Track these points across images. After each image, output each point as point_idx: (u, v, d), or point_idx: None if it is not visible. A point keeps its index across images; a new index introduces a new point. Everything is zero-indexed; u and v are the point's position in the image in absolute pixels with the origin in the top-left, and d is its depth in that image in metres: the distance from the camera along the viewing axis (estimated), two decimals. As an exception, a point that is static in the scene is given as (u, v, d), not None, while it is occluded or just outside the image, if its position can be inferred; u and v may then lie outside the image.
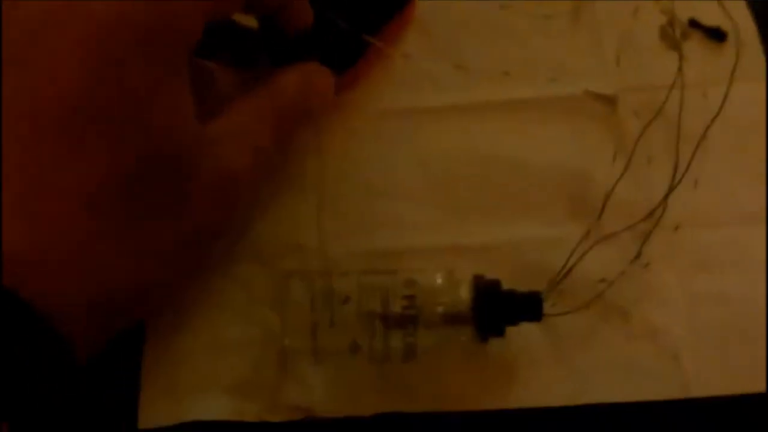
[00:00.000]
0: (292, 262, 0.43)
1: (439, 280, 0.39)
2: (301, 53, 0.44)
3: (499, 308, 0.38)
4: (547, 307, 0.39)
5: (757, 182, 0.45)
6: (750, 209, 0.44)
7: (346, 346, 0.38)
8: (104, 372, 0.39)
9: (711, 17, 0.49)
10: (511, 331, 0.39)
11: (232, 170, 0.34)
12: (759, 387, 0.40)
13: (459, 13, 0.49)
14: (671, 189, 0.43)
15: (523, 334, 0.40)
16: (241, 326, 0.41)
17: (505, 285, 0.39)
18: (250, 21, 0.43)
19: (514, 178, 0.45)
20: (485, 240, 0.43)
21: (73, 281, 0.29)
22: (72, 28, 0.29)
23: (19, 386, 0.27)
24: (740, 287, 0.42)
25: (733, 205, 0.44)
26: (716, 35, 0.49)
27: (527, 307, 0.39)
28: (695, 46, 0.48)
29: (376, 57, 0.47)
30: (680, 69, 0.44)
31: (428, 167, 0.45)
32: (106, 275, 0.30)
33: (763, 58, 0.48)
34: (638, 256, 0.42)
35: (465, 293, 0.39)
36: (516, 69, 0.47)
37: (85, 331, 0.30)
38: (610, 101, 0.47)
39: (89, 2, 0.30)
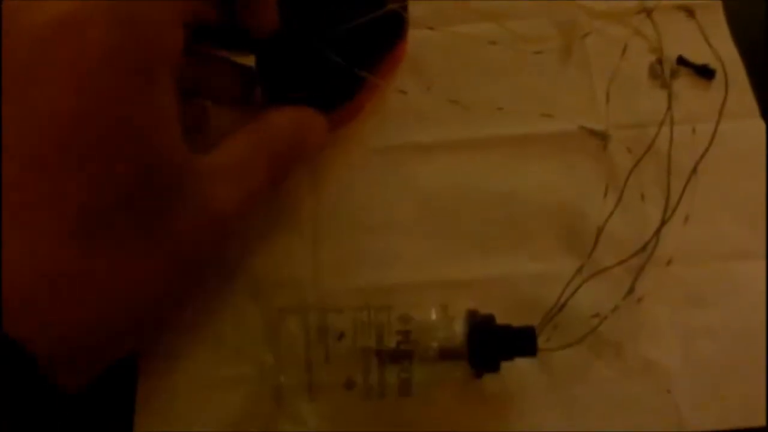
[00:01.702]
0: (287, 297, 0.43)
1: (434, 316, 0.39)
2: (297, 89, 0.44)
3: (493, 344, 0.39)
4: (541, 342, 0.39)
5: (745, 218, 0.45)
6: (739, 245, 0.44)
7: (342, 382, 0.38)
8: (97, 408, 0.39)
9: (699, 55, 0.50)
10: (506, 366, 0.39)
11: (222, 206, 0.34)
12: (759, 421, 0.40)
13: (452, 49, 0.50)
14: (662, 224, 0.43)
15: (517, 369, 0.40)
16: (235, 363, 0.41)
17: (500, 320, 0.39)
18: (247, 59, 0.43)
19: (508, 213, 0.45)
20: (479, 275, 0.44)
21: (58, 312, 0.29)
22: (63, 59, 0.29)
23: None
24: (732, 322, 0.42)
25: (723, 240, 0.44)
26: (704, 73, 0.50)
27: (522, 342, 0.39)
28: (684, 84, 0.49)
29: (371, 92, 0.47)
30: (669, 108, 0.45)
31: (422, 202, 0.46)
32: (92, 305, 0.30)
33: (751, 95, 0.49)
34: (631, 291, 0.42)
35: (459, 328, 0.39)
36: (509, 104, 0.48)
37: (74, 361, 0.30)
38: (603, 137, 0.47)
39: (79, 32, 0.30)
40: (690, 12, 0.45)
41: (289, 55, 0.46)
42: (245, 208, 0.35)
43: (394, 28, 0.47)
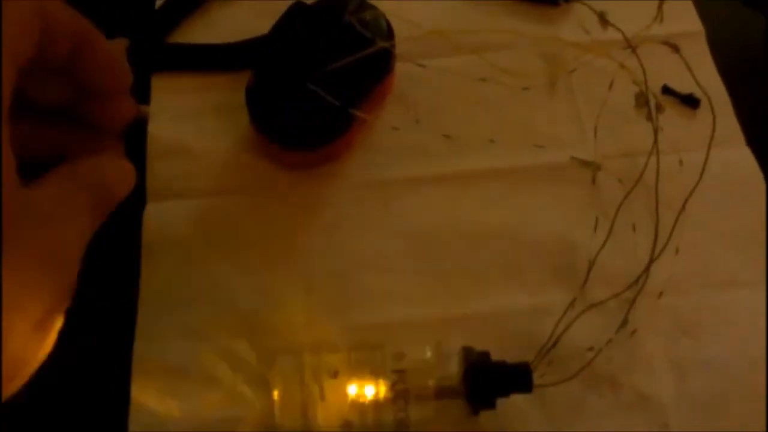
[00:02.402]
0: (281, 338, 0.43)
1: (429, 354, 0.39)
2: (287, 125, 0.45)
3: (489, 381, 0.39)
4: (536, 378, 0.39)
5: (736, 246, 0.46)
6: (729, 274, 0.45)
7: (339, 424, 0.38)
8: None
9: (685, 85, 0.50)
10: (501, 402, 0.39)
11: (56, 237, 0.30)
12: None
13: (442, 85, 0.51)
14: (653, 257, 0.43)
15: (513, 405, 0.40)
16: (230, 405, 0.41)
17: (495, 355, 0.40)
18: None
19: (500, 247, 0.46)
20: (473, 310, 0.44)
21: None
22: None
23: None
24: (724, 353, 0.42)
25: (714, 270, 0.45)
26: (689, 102, 0.51)
27: (517, 379, 0.39)
28: (670, 113, 0.50)
29: (360, 128, 0.48)
30: (655, 141, 0.45)
31: (415, 238, 0.46)
32: None
33: (736, 123, 0.50)
34: (624, 323, 0.42)
35: (455, 366, 0.39)
36: (501, 137, 0.48)
37: None
38: (594, 168, 0.48)
39: None
40: (674, 47, 0.45)
41: (279, 92, 0.46)
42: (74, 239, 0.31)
43: (382, 63, 0.48)
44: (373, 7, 0.49)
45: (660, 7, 0.47)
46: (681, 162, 0.46)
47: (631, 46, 0.46)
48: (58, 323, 0.30)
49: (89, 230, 0.32)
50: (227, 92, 0.50)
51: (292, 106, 0.45)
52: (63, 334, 0.29)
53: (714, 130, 0.46)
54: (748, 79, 0.54)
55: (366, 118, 0.46)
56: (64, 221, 0.31)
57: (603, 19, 0.52)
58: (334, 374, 0.40)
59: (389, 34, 0.49)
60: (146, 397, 0.41)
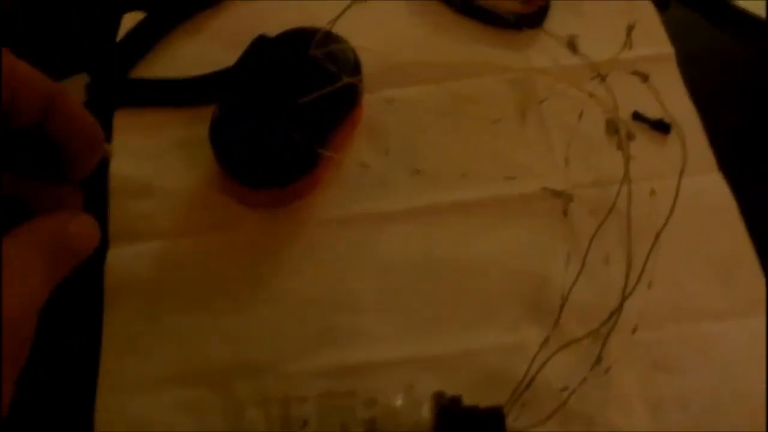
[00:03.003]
0: (247, 384, 0.41)
1: (399, 401, 0.39)
2: (252, 164, 0.44)
3: (461, 427, 0.38)
4: (510, 422, 0.38)
5: (714, 276, 0.45)
6: (706, 306, 0.44)
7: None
8: None
9: (657, 109, 0.50)
10: (475, 448, 0.38)
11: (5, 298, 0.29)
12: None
13: (412, 118, 0.50)
14: (626, 291, 0.43)
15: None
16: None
17: (468, 398, 0.39)
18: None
19: (473, 283, 0.45)
20: (446, 350, 0.43)
21: None
22: None
23: None
24: (701, 389, 0.42)
25: (689, 302, 0.44)
26: (660, 127, 0.50)
27: (490, 424, 0.38)
28: (642, 140, 0.49)
29: (328, 165, 0.47)
30: (626, 170, 0.45)
31: (387, 276, 0.45)
32: None
33: (708, 150, 0.49)
34: (599, 361, 0.41)
35: (426, 413, 0.38)
36: (472, 170, 0.48)
37: None
38: (566, 199, 0.47)
39: None
40: (643, 76, 0.45)
41: (243, 129, 0.45)
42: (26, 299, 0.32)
43: (349, 98, 0.47)
44: (339, 39, 0.48)
45: (629, 35, 0.46)
46: (653, 191, 0.45)
47: (599, 75, 0.45)
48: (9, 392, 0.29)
49: (45, 289, 0.31)
50: (192, 128, 0.49)
51: (256, 144, 0.44)
52: (23, 386, 0.29)
53: (685, 157, 0.46)
54: (721, 100, 0.53)
55: (333, 156, 0.45)
56: (12, 283, 0.30)
57: (572, 45, 0.52)
58: (304, 424, 0.39)
59: (356, 66, 0.48)
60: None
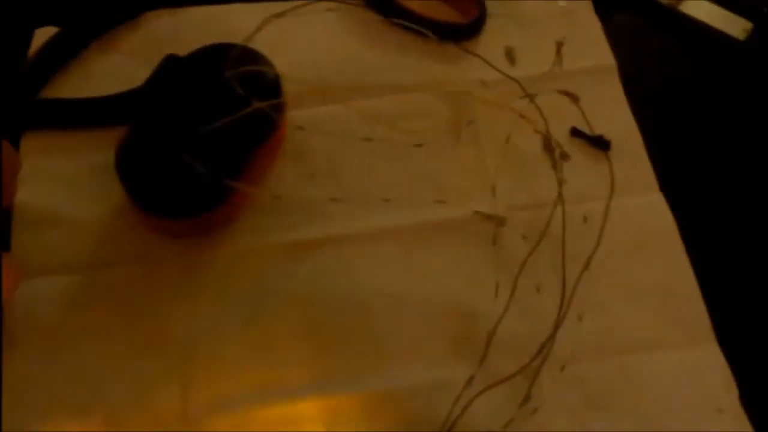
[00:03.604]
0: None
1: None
2: (158, 196, 0.41)
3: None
4: (430, 469, 0.36)
5: (650, 304, 0.43)
6: (639, 335, 0.42)
7: None
8: None
9: (597, 123, 0.48)
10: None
11: None
12: None
13: (338, 140, 0.47)
14: (558, 324, 0.40)
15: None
16: None
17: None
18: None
19: (397, 316, 0.42)
20: (368, 389, 0.40)
21: None
22: None
23: None
24: (632, 426, 0.39)
25: (625, 333, 0.42)
26: (599, 144, 0.48)
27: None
28: (579, 159, 0.47)
29: (242, 197, 0.44)
30: (560, 192, 0.43)
31: (305, 312, 0.42)
32: None
33: (649, 168, 0.47)
34: (527, 399, 0.39)
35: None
36: (398, 194, 0.45)
37: None
38: (498, 222, 0.45)
39: None
40: (573, 97, 0.42)
41: (150, 158, 0.42)
42: None
43: (266, 123, 0.44)
44: (258, 57, 0.45)
45: (558, 53, 0.44)
46: (586, 217, 0.43)
47: (527, 95, 0.43)
48: None
49: None
50: (104, 151, 0.45)
51: (161, 173, 0.41)
52: None
53: (613, 178, 0.44)
54: (667, 115, 0.51)
55: (245, 189, 0.42)
56: None
57: (510, 56, 0.50)
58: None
59: (274, 87, 0.45)
60: None
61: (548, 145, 0.43)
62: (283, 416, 0.39)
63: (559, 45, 0.44)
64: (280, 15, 0.48)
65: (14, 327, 0.41)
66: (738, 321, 0.42)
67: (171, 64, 0.44)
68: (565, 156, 0.43)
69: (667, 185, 0.47)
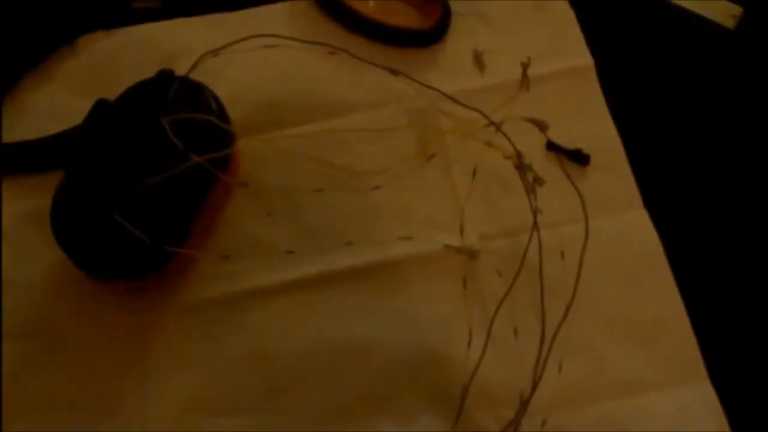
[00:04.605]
0: None
1: None
2: (95, 257, 0.38)
3: None
4: None
5: (630, 343, 0.40)
6: (625, 377, 0.39)
7: None
8: None
9: (579, 135, 0.44)
10: None
11: None
12: None
13: (295, 171, 0.44)
14: (537, 374, 0.37)
15: None
16: None
17: None
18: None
19: (363, 367, 0.39)
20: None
21: None
22: None
23: None
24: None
25: (607, 375, 0.39)
26: (578, 158, 0.44)
27: None
28: (554, 179, 0.43)
29: (187, 256, 0.40)
30: (535, 222, 0.39)
31: (265, 368, 0.39)
32: None
33: (633, 184, 0.44)
34: (506, 459, 0.36)
35: None
36: (362, 233, 0.42)
37: None
38: (470, 255, 0.41)
39: None
40: (541, 125, 0.38)
41: (83, 215, 0.39)
42: None
43: (206, 176, 0.40)
44: (198, 89, 0.41)
45: (524, 73, 0.40)
46: (563, 251, 0.40)
47: (493, 123, 0.39)
48: None
49: None
50: (41, 198, 0.42)
51: (97, 231, 0.38)
52: None
53: (583, 202, 0.40)
54: (649, 120, 0.47)
55: (186, 253, 0.39)
56: None
57: (479, 61, 0.46)
58: None
59: (221, 114, 0.41)
60: None
61: (521, 170, 0.40)
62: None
63: (524, 65, 0.40)
64: (215, 53, 0.44)
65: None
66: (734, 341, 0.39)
67: (102, 109, 0.40)
68: (539, 180, 0.39)
69: (666, 183, 0.44)
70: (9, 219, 0.43)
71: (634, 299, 0.41)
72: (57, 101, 0.47)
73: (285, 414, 0.38)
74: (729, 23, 0.49)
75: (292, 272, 0.41)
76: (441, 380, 0.39)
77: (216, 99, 0.42)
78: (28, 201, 0.43)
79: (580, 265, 0.39)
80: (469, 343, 0.39)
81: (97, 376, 0.39)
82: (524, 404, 0.37)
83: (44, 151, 0.44)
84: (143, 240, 0.36)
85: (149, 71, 0.42)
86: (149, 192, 0.38)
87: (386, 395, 0.39)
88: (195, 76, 0.42)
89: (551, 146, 0.45)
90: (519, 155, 0.39)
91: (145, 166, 0.38)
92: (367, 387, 0.39)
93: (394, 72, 0.45)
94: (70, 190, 0.39)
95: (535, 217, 0.40)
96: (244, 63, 0.46)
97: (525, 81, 0.41)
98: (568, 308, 0.38)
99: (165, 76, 0.42)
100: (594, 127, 0.45)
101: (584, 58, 0.48)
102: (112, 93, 0.42)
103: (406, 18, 0.49)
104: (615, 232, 0.42)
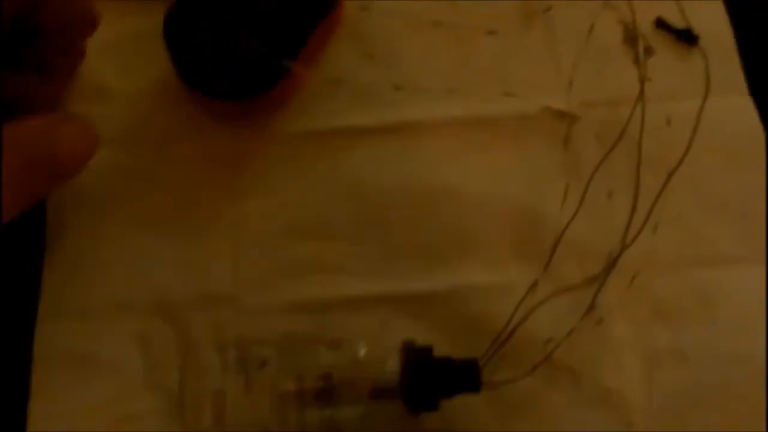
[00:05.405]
0: (203, 318, 0.37)
1: (363, 351, 0.34)
2: (207, 74, 0.38)
3: (431, 381, 0.34)
4: (487, 374, 0.34)
5: (730, 216, 0.40)
6: (719, 249, 0.39)
7: (256, 425, 0.34)
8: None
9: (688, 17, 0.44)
10: (447, 402, 0.34)
11: None
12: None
13: (400, 24, 0.43)
14: (627, 234, 0.38)
15: (461, 403, 0.35)
16: (140, 396, 0.36)
17: (443, 345, 0.35)
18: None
19: (455, 213, 0.40)
20: (422, 287, 0.38)
21: None
22: None
23: None
24: (702, 343, 0.37)
25: (699, 245, 0.39)
26: (686, 37, 0.44)
27: (463, 377, 0.34)
28: (663, 53, 0.43)
29: (296, 80, 0.40)
30: (642, 91, 0.39)
31: (360, 201, 0.40)
32: None
33: (739, 68, 0.43)
34: (591, 309, 0.37)
35: (393, 363, 0.34)
36: (463, 85, 0.42)
37: None
38: (570, 120, 0.41)
39: None
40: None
41: (200, 32, 0.39)
42: None
43: (322, 1, 0.40)
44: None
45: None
46: (669, 119, 0.40)
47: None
48: None
49: (16, 206, 0.28)
50: (148, 18, 0.42)
51: (213, 50, 0.38)
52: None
53: (709, 77, 0.40)
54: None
55: (303, 71, 0.39)
56: None
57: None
58: (262, 365, 0.35)
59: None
60: (47, 391, 0.36)
61: (631, 37, 0.39)
62: (333, 308, 0.38)
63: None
64: None
65: (57, 203, 0.40)
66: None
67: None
68: (649, 50, 0.39)
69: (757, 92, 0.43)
70: (116, 34, 0.43)
71: (732, 181, 0.41)
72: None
73: (371, 244, 0.39)
74: None
75: (392, 115, 0.42)
76: (532, 232, 0.39)
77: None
78: (138, 17, 0.43)
79: (693, 134, 0.39)
80: (564, 197, 0.39)
81: (190, 192, 0.40)
82: (613, 261, 0.38)
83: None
84: (261, 54, 0.37)
85: None
86: (267, 12, 0.38)
87: (475, 241, 0.39)
88: None
89: (660, 24, 0.44)
90: (633, 19, 0.39)
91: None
92: (458, 232, 0.39)
93: None
94: (187, 4, 0.39)
95: (642, 85, 0.40)
96: None
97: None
98: (670, 175, 0.38)
99: None
100: (704, 8, 0.44)
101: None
102: None
103: None
104: (721, 114, 0.42)
